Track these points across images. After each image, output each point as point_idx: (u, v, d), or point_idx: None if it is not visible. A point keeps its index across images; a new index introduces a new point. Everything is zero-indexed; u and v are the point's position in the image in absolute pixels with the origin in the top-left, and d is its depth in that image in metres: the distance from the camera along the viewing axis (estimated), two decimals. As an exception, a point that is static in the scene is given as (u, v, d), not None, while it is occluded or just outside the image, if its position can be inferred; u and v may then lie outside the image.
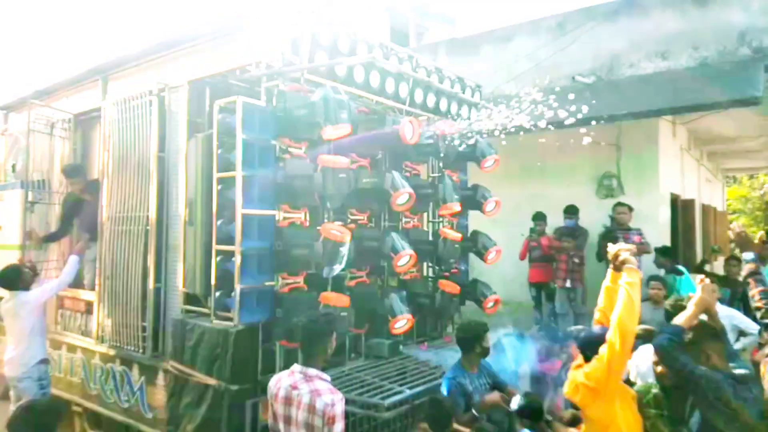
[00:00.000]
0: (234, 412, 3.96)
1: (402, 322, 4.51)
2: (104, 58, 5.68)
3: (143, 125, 5.03)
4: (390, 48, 4.98)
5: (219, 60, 4.56)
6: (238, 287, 3.92)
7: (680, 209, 9.48)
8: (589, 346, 3.26)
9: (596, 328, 3.45)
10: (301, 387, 3.10)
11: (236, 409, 3.97)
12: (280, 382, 3.21)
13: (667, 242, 8.08)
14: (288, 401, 3.11)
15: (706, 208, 11.04)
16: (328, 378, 3.22)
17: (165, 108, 4.92)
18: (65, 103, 6.37)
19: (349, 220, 4.86)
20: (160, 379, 4.77)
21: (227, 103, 4.09)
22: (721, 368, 3.04)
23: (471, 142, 4.85)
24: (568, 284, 7.69)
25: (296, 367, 3.20)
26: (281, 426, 3.14)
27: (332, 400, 3.03)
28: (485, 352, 4.24)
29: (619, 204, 7.70)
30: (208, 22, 4.71)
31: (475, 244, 5.58)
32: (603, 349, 3.11)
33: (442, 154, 5.00)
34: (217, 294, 4.17)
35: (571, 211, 7.98)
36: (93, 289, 5.55)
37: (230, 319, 4.03)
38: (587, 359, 3.25)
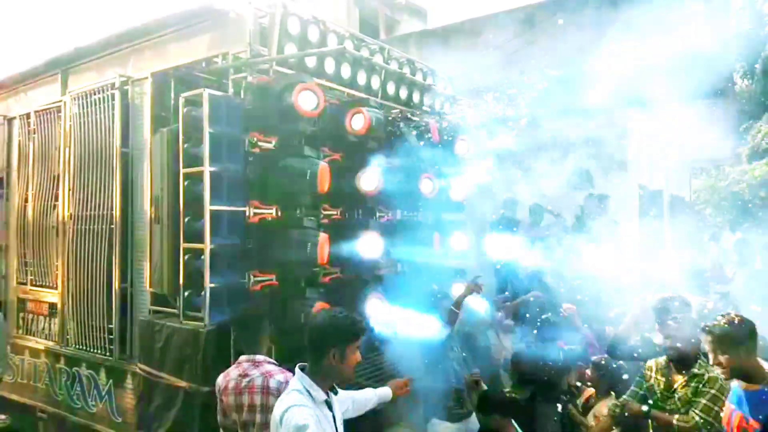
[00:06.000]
0: (206, 415, 3.84)
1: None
2: (63, 51, 5.47)
3: (105, 120, 4.86)
4: (361, 39, 4.90)
5: (184, 52, 4.42)
6: (207, 286, 3.80)
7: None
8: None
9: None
10: (251, 373, 3.16)
11: (208, 411, 3.85)
12: (228, 375, 3.25)
13: (638, 231, 8.21)
14: (239, 390, 3.14)
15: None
16: (275, 362, 3.27)
17: (128, 101, 4.76)
18: (23, 97, 6.12)
19: (322, 216, 4.76)
20: (129, 382, 4.64)
21: (193, 95, 3.95)
22: None
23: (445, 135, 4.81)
24: None
25: (242, 357, 3.26)
26: (234, 416, 3.15)
27: (285, 377, 3.09)
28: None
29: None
30: (172, 12, 4.55)
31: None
32: None
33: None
34: (186, 293, 4.05)
35: None
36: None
37: (200, 319, 3.92)
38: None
